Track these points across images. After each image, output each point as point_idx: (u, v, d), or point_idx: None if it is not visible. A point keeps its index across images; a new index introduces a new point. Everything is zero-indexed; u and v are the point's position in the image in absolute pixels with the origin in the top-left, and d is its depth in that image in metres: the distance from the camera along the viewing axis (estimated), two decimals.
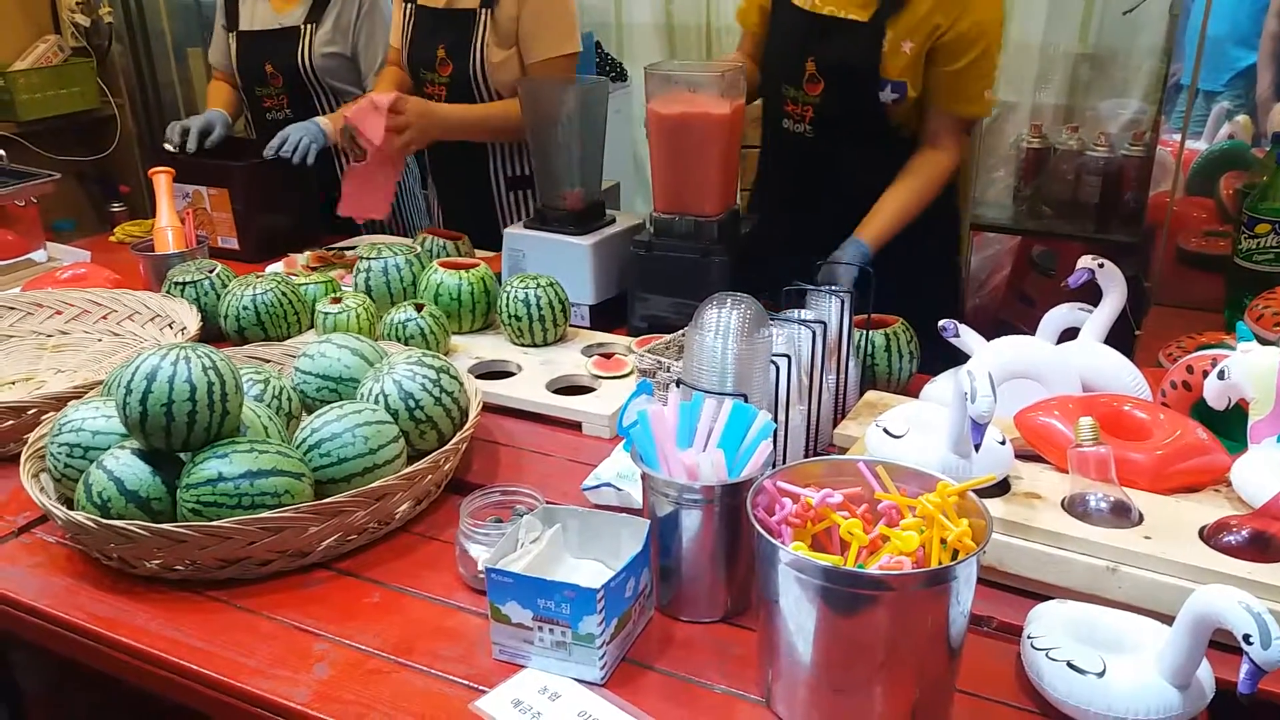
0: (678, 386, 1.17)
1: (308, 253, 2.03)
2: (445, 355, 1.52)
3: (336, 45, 2.30)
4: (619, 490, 1.22)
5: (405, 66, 2.18)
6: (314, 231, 2.23)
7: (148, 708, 1.03)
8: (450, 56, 2.09)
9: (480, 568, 1.06)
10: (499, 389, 1.50)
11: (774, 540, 0.86)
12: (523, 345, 1.67)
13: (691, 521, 1.01)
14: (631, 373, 1.55)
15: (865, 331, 1.49)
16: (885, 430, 1.15)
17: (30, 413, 1.33)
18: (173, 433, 1.07)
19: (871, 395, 1.43)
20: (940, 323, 1.38)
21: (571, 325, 1.73)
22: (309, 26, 2.28)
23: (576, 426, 1.45)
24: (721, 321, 1.14)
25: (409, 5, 2.14)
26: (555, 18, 2.03)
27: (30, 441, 1.22)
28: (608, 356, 1.61)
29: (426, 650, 0.99)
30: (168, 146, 2.22)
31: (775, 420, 1.10)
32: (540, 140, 1.82)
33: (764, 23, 1.86)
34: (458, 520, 1.09)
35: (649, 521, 1.02)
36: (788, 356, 1.18)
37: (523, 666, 0.96)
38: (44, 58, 2.85)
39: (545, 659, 0.95)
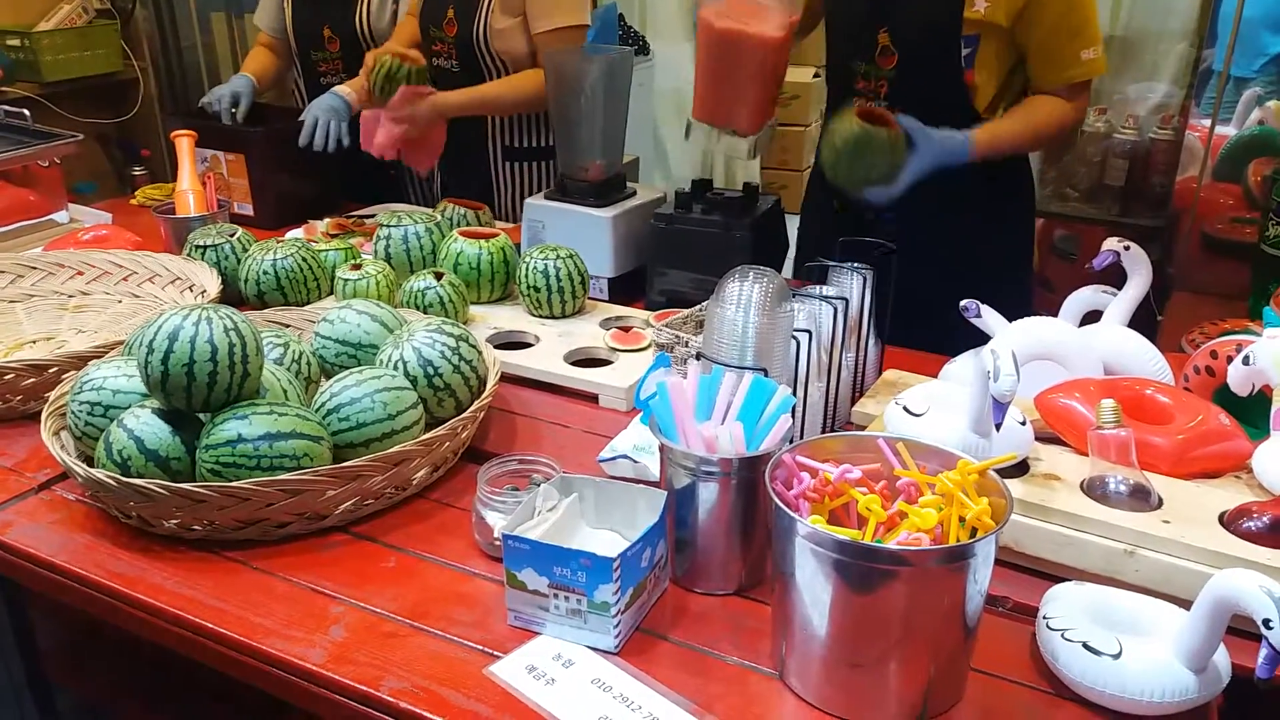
0: (697, 359, 1.16)
1: (327, 220, 2.03)
2: (464, 324, 1.52)
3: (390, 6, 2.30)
4: (635, 462, 1.22)
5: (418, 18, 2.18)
6: (331, 199, 2.23)
7: (167, 667, 1.04)
8: (457, 18, 2.08)
9: (496, 535, 1.07)
10: (517, 359, 1.50)
11: (792, 513, 0.85)
12: (541, 316, 1.66)
13: (708, 494, 1.01)
14: (649, 346, 1.54)
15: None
16: (905, 408, 1.14)
17: (51, 371, 1.33)
18: (193, 393, 1.08)
19: (890, 374, 1.42)
20: (962, 302, 1.37)
21: (590, 298, 1.73)
22: None
23: (593, 398, 1.45)
24: (743, 295, 1.13)
25: None
26: None
27: (51, 400, 1.23)
28: (625, 330, 1.60)
29: (442, 615, 0.99)
30: (208, 105, 2.22)
31: (794, 396, 1.09)
32: (563, 111, 1.81)
33: None
34: (474, 488, 1.10)
35: (666, 493, 1.02)
36: (808, 332, 1.18)
37: (537, 633, 0.96)
38: (68, 19, 2.85)
39: (560, 626, 0.95)
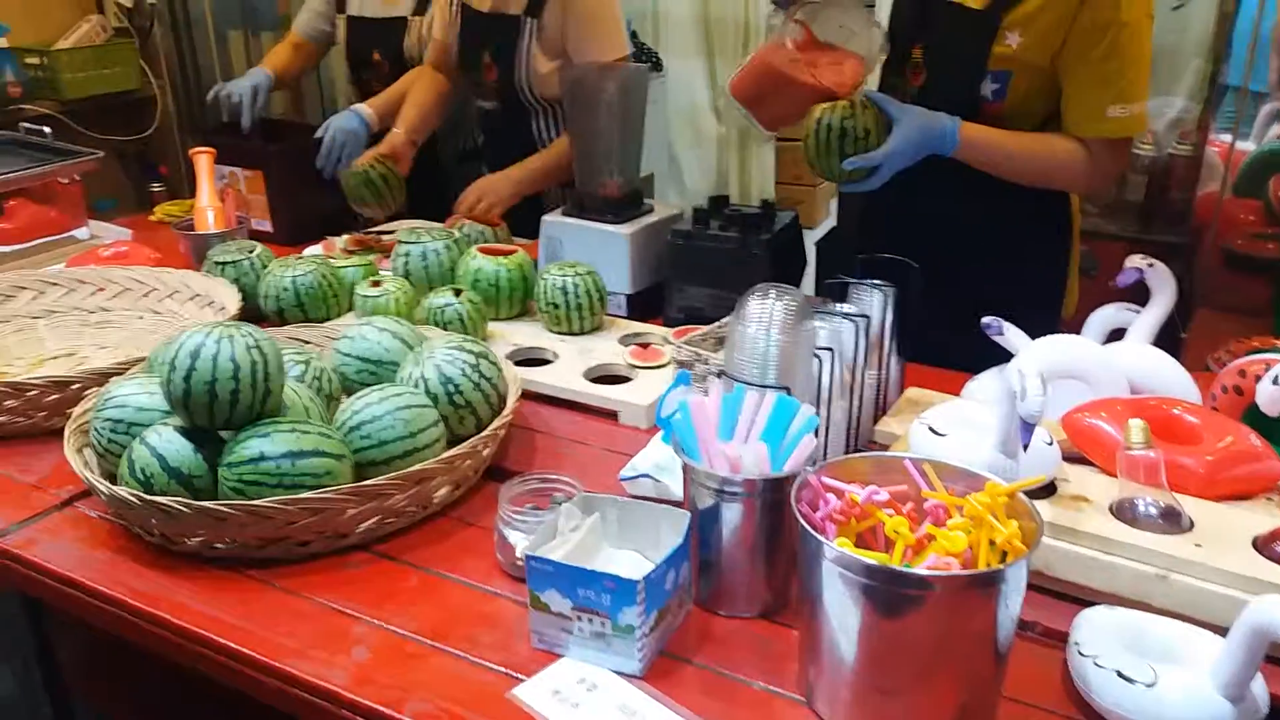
0: (719, 378, 1.16)
1: (345, 236, 2.04)
2: (483, 341, 1.52)
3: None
4: (657, 481, 1.21)
5: (454, 65, 2.17)
6: (348, 215, 2.23)
7: (186, 682, 1.04)
8: (495, 62, 2.07)
9: (519, 555, 1.06)
10: (536, 376, 1.50)
11: (819, 536, 0.85)
12: (559, 333, 1.66)
13: (732, 515, 1.00)
14: (669, 363, 1.54)
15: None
16: (930, 428, 1.13)
17: (74, 388, 1.34)
18: (215, 411, 1.08)
19: (913, 392, 1.41)
20: (984, 319, 1.36)
21: (608, 314, 1.72)
22: (418, 19, 2.29)
23: (613, 415, 1.44)
24: (765, 313, 1.13)
25: (455, 2, 2.13)
26: (602, 23, 2.01)
27: (74, 416, 1.23)
28: (644, 346, 1.60)
29: (464, 636, 0.98)
30: (222, 97, 2.23)
31: (818, 415, 1.09)
32: (580, 128, 1.82)
33: None
34: (495, 506, 1.09)
35: (689, 513, 1.01)
36: (831, 350, 1.17)
37: (560, 656, 0.96)
38: (87, 37, 2.88)
39: (583, 649, 0.94)
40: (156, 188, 2.63)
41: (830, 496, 0.94)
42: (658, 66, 3.88)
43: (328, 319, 1.68)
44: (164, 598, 1.03)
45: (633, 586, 0.90)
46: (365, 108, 2.19)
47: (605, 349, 1.60)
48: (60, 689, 1.24)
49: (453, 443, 1.22)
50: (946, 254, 1.55)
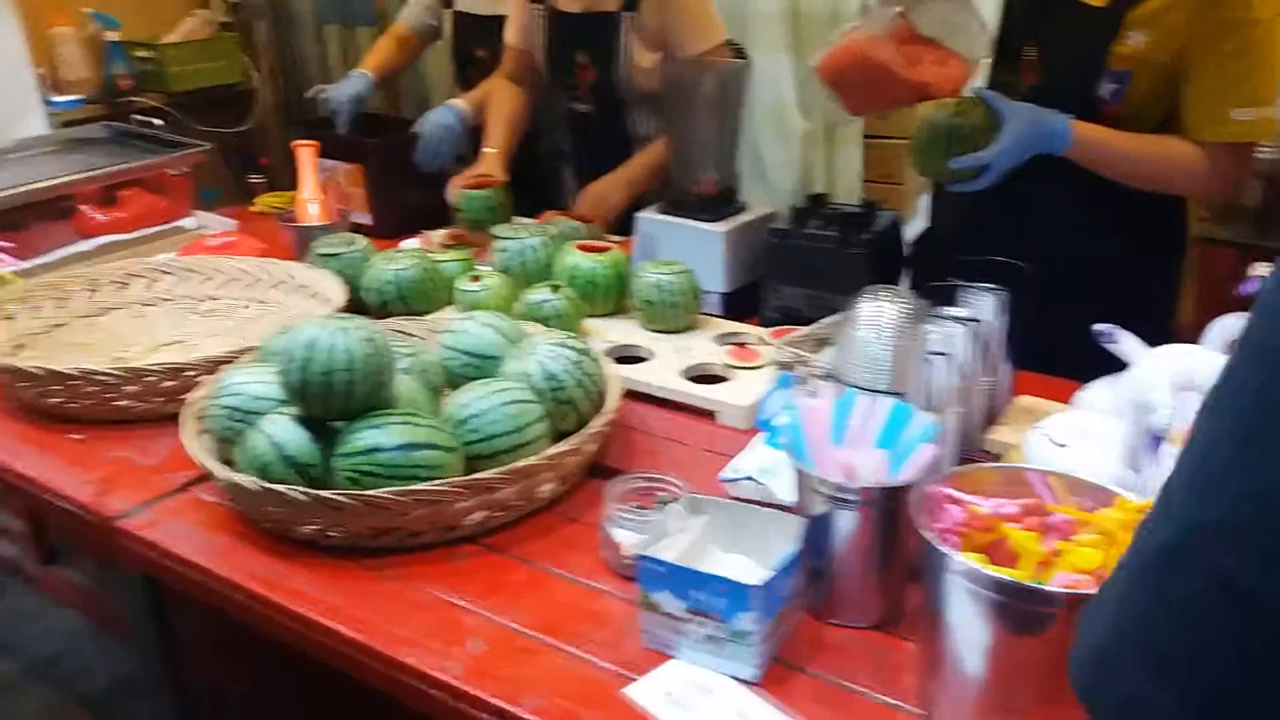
0: (828, 381, 1.14)
1: (443, 230, 2.06)
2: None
3: None
4: (759, 484, 1.20)
5: (535, 71, 2.16)
6: (445, 209, 2.26)
7: (300, 667, 1.06)
8: (593, 63, 2.07)
9: (626, 553, 1.06)
10: (634, 374, 1.50)
11: (946, 549, 0.83)
12: (655, 330, 1.66)
13: (847, 522, 0.98)
14: (767, 364, 1.52)
15: None
16: (1049, 438, 1.10)
17: (187, 374, 1.38)
18: (330, 401, 1.10)
19: (1024, 400, 1.38)
20: (1096, 326, 1.31)
21: (702, 313, 1.71)
22: None
23: (710, 415, 1.44)
24: (878, 316, 1.11)
25: (539, 8, 2.11)
26: (700, 11, 2.00)
27: (191, 402, 1.27)
28: (742, 346, 1.59)
29: (574, 632, 0.99)
30: (323, 101, 2.27)
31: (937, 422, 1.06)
32: (677, 124, 1.81)
33: None
34: (598, 503, 1.10)
35: (802, 520, 1.00)
36: (945, 355, 1.15)
37: (670, 657, 0.95)
38: (194, 31, 2.97)
39: (695, 652, 0.94)
40: (256, 179, 2.70)
41: (952, 507, 0.92)
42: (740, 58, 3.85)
43: (428, 312, 1.70)
44: (281, 584, 1.06)
45: (747, 591, 0.90)
46: (461, 103, 2.21)
47: (702, 348, 1.60)
48: (178, 666, 1.28)
49: (554, 439, 1.22)
50: (1054, 257, 1.51)
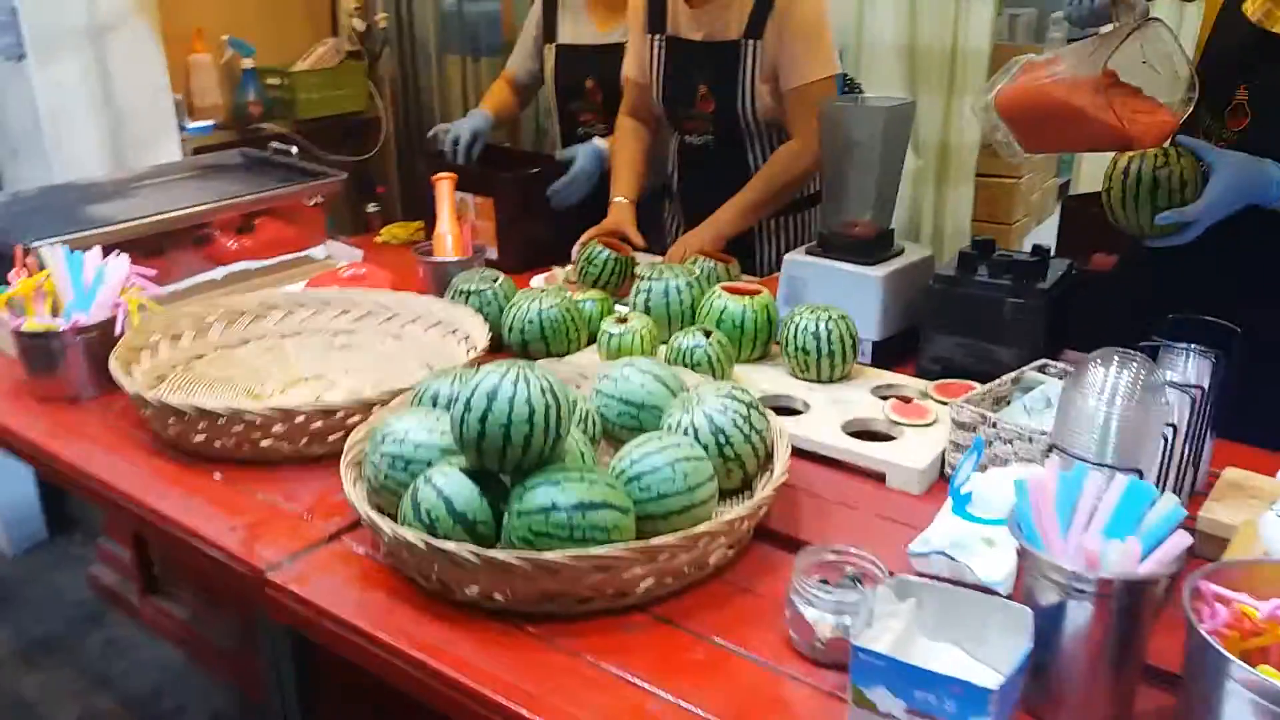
0: (1050, 453, 1.03)
1: (569, 267, 2.01)
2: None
3: None
4: (954, 560, 1.09)
5: (657, 103, 2.11)
6: (571, 244, 2.21)
7: None
8: (713, 93, 2.01)
9: (820, 636, 0.96)
10: (794, 428, 1.40)
11: (1231, 657, 0.71)
12: (806, 379, 1.56)
13: (1080, 615, 0.87)
14: (935, 421, 1.41)
15: None
16: None
17: (337, 416, 1.33)
18: (507, 454, 1.03)
19: (1231, 473, 1.24)
20: None
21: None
22: None
23: (878, 477, 1.33)
24: (1108, 382, 1.00)
25: (658, 38, 2.06)
26: (818, 40, 1.92)
27: (349, 448, 1.21)
28: (906, 400, 1.48)
29: None
30: (441, 137, 2.27)
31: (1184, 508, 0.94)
32: (835, 165, 1.72)
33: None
34: (767, 571, 1.02)
35: (1027, 611, 0.89)
36: (1174, 427, 1.03)
37: None
38: (323, 59, 3.00)
39: None
40: (372, 208, 2.69)
41: (1219, 606, 0.80)
42: (854, 93, 3.75)
43: (567, 353, 1.64)
44: (445, 651, 0.99)
45: (986, 696, 0.79)
46: (603, 142, 2.17)
47: (860, 400, 1.49)
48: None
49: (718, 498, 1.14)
50: (1252, 315, 1.37)
